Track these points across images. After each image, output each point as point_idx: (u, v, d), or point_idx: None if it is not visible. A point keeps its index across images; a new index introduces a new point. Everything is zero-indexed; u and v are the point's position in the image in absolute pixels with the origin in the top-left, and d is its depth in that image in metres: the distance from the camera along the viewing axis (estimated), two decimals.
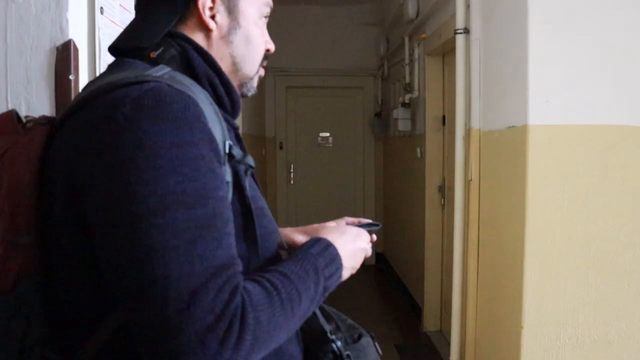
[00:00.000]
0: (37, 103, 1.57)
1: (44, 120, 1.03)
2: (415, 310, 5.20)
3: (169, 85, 0.93)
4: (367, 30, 7.09)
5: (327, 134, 7.42)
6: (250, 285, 0.89)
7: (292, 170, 7.39)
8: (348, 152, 7.40)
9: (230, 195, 0.97)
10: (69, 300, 0.97)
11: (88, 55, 1.70)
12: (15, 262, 0.94)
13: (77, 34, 1.63)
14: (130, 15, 2.00)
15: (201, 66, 1.07)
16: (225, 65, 1.12)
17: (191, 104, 0.91)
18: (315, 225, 1.31)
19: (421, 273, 4.80)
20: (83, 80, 1.65)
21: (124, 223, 0.84)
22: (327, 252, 1.07)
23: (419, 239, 4.90)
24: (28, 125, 1.02)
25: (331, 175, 7.34)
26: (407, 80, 5.20)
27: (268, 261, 1.05)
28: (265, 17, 1.19)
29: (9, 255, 0.93)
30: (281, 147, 7.34)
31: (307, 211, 7.21)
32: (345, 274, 1.13)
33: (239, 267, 0.89)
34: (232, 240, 0.90)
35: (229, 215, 0.91)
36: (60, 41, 1.58)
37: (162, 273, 0.81)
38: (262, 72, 1.22)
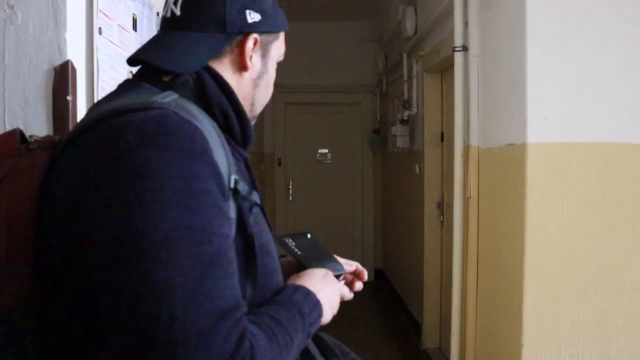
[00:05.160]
0: (35, 124, 1.57)
1: (48, 144, 0.98)
2: (414, 327, 5.17)
3: (174, 113, 0.90)
4: (365, 47, 7.11)
5: (326, 150, 7.42)
6: (255, 330, 0.87)
7: (290, 187, 7.38)
8: (347, 169, 7.40)
9: (233, 232, 0.93)
10: (62, 334, 0.92)
11: (86, 76, 1.70)
12: (9, 292, 0.90)
13: (75, 55, 1.63)
14: (128, 34, 2.00)
15: (215, 95, 1.05)
16: (244, 104, 1.11)
17: (197, 135, 0.89)
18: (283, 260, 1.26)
19: (420, 289, 4.78)
20: (81, 101, 1.65)
21: (127, 258, 0.80)
22: (308, 298, 1.05)
23: (417, 255, 4.88)
24: (31, 146, 0.98)
25: (330, 192, 7.33)
26: (406, 96, 5.21)
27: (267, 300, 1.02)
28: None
29: (3, 285, 0.90)
30: (280, 164, 7.34)
31: (306, 228, 7.12)
32: (328, 316, 1.11)
33: (245, 308, 0.87)
34: (237, 280, 0.87)
35: (233, 254, 0.89)
36: (58, 61, 1.58)
37: (167, 312, 0.78)
38: None
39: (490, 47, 2.99)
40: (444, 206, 4.48)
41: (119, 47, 1.91)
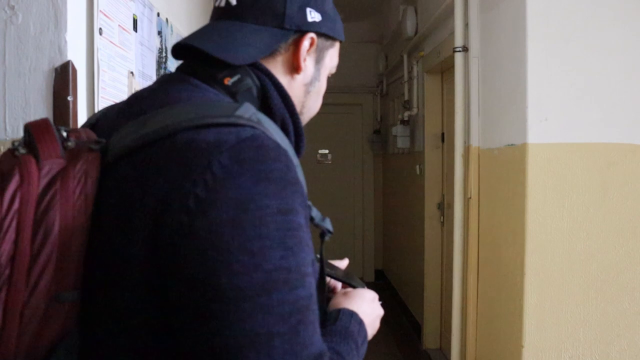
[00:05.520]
0: None
1: (94, 145, 0.82)
2: (414, 327, 5.17)
3: (265, 134, 0.82)
4: (365, 47, 7.11)
5: (326, 151, 7.41)
6: None
7: None
8: (347, 169, 7.40)
9: None
10: None
11: (87, 77, 1.70)
12: (56, 322, 0.77)
13: (76, 55, 1.63)
14: (128, 35, 2.00)
15: (279, 107, 0.96)
16: None
17: (289, 161, 0.81)
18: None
19: (421, 290, 4.78)
20: (81, 101, 1.65)
21: (222, 299, 0.72)
22: (361, 329, 0.98)
23: (418, 256, 4.88)
24: (69, 145, 0.81)
25: (330, 192, 7.32)
26: (406, 97, 5.20)
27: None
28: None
29: (50, 314, 0.76)
30: None
31: None
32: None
33: (327, 351, 0.80)
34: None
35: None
36: (58, 62, 1.58)
37: (285, 351, 0.72)
38: None
39: (491, 47, 2.99)
40: (444, 207, 4.48)
41: (120, 47, 1.91)
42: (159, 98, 0.89)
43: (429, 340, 4.74)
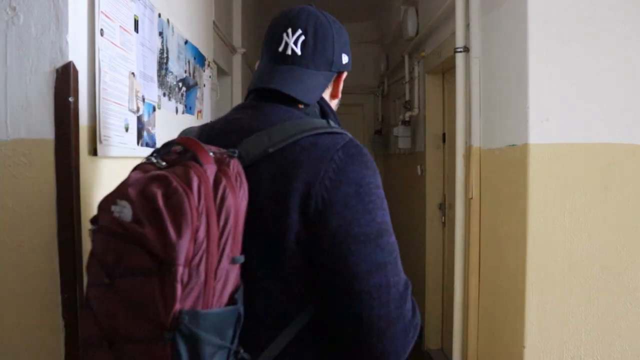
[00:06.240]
0: (37, 125, 1.57)
1: (232, 153, 1.18)
2: None
3: (353, 138, 1.25)
4: (367, 48, 7.12)
5: None
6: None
7: None
8: None
9: None
10: (266, 304, 1.20)
11: (88, 77, 1.70)
12: (233, 278, 1.10)
13: (77, 56, 1.63)
14: (129, 36, 2.00)
15: (335, 121, 1.37)
16: None
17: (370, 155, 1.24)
18: None
19: (422, 290, 4.78)
20: (82, 102, 1.65)
21: (356, 242, 1.13)
22: None
23: (419, 256, 4.88)
24: (215, 154, 1.15)
25: None
26: (407, 97, 5.21)
27: None
28: None
29: (230, 273, 1.09)
30: None
31: None
32: None
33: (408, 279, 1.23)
34: None
35: None
36: (60, 63, 1.58)
37: (385, 281, 1.14)
38: None
39: (492, 48, 2.99)
40: (445, 207, 4.48)
41: (121, 48, 1.91)
42: (266, 119, 1.27)
43: (431, 341, 4.74)
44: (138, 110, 2.08)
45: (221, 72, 4.36)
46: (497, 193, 2.92)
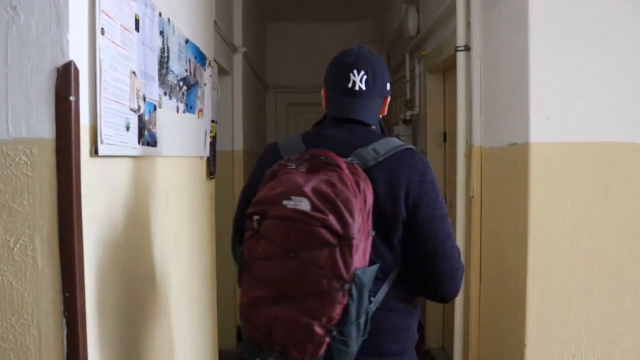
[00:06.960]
0: (38, 125, 1.56)
1: (354, 161, 1.65)
2: (417, 327, 5.16)
3: (414, 148, 1.75)
4: (367, 47, 7.06)
5: None
6: None
7: None
8: None
9: None
10: (381, 265, 1.63)
11: (89, 77, 1.70)
12: (369, 248, 1.54)
13: (78, 55, 1.63)
14: (130, 35, 2.00)
15: (387, 133, 1.89)
16: None
17: None
18: None
19: None
20: (83, 101, 1.65)
21: (437, 219, 1.67)
22: None
23: None
24: (347, 161, 1.63)
25: None
26: (408, 96, 5.21)
27: None
28: None
29: (367, 244, 1.52)
30: None
31: None
32: None
33: None
34: None
35: None
36: (60, 62, 1.58)
37: (453, 245, 1.69)
38: None
39: (493, 47, 2.99)
40: (446, 206, 4.48)
41: (122, 47, 1.91)
42: (361, 137, 1.75)
43: (432, 339, 4.74)
44: (139, 109, 2.08)
45: (222, 71, 4.36)
46: (498, 192, 2.92)
